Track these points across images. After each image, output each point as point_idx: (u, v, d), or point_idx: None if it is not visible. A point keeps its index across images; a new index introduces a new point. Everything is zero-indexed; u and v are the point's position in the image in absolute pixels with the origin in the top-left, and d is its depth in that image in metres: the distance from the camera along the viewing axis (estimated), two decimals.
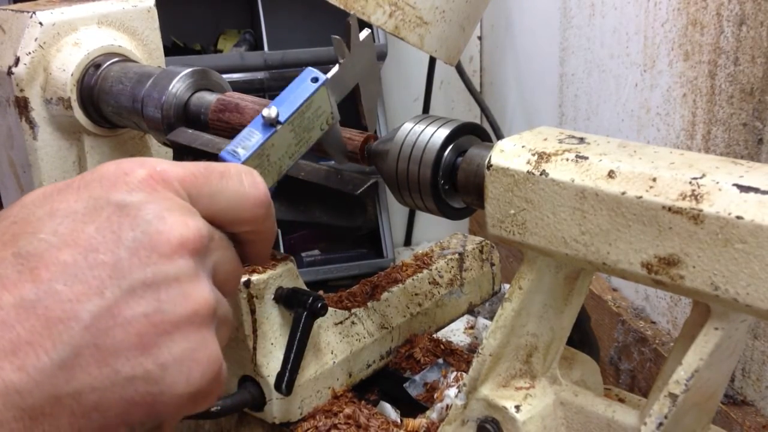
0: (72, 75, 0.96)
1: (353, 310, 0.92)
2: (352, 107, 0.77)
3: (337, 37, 0.73)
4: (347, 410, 0.85)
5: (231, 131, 0.86)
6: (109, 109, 0.97)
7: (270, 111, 0.67)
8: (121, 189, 0.44)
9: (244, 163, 0.64)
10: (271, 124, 0.67)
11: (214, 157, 0.82)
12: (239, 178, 0.50)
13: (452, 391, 0.85)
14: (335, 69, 0.73)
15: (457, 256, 1.06)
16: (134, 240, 0.42)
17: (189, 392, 0.43)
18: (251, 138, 0.66)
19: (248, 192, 0.50)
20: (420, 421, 0.84)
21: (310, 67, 0.71)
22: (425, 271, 1.02)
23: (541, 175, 0.62)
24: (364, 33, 0.75)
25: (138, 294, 0.42)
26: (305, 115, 0.70)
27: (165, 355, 0.42)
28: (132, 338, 0.41)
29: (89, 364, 0.40)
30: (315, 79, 0.70)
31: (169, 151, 0.94)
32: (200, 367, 0.44)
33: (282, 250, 2.03)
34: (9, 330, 0.39)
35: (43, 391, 0.39)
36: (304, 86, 0.70)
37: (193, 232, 0.44)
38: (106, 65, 0.98)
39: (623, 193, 0.58)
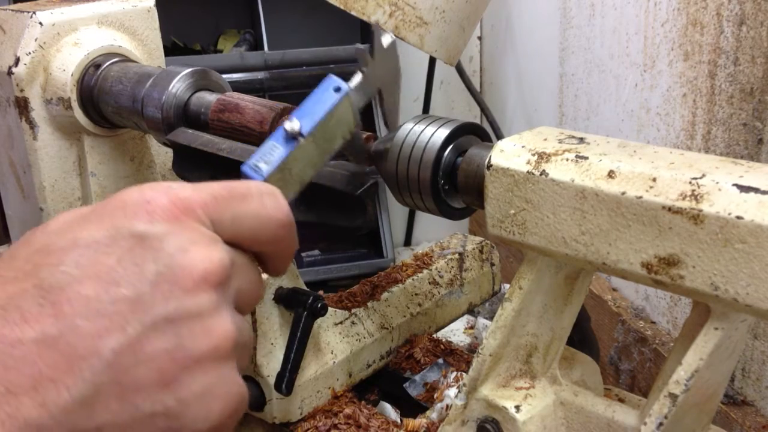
0: (72, 75, 0.96)
1: (353, 310, 0.92)
2: None
3: (362, 47, 0.72)
4: (347, 410, 0.85)
5: (231, 131, 0.86)
6: (109, 109, 0.97)
7: (292, 124, 0.64)
8: (143, 218, 0.43)
9: (266, 178, 0.62)
10: (293, 137, 0.65)
11: (215, 157, 0.83)
12: (261, 200, 0.49)
13: (452, 391, 0.85)
14: (358, 78, 0.71)
15: (457, 256, 1.06)
16: (156, 274, 0.42)
17: (208, 427, 0.43)
18: (273, 152, 0.64)
19: (271, 214, 0.49)
20: (420, 421, 0.84)
21: (332, 75, 0.68)
22: (425, 271, 1.02)
23: (541, 175, 0.62)
24: (388, 39, 0.73)
25: (160, 329, 0.42)
26: (327, 125, 0.67)
27: (185, 391, 0.42)
28: (153, 374, 0.41)
29: (110, 400, 0.40)
30: (337, 89, 0.67)
31: (169, 152, 0.94)
32: (220, 402, 0.44)
33: None
34: (30, 366, 0.38)
35: (63, 428, 0.38)
36: (326, 96, 0.67)
37: (216, 264, 0.44)
38: (106, 65, 0.98)
39: (623, 193, 0.58)
